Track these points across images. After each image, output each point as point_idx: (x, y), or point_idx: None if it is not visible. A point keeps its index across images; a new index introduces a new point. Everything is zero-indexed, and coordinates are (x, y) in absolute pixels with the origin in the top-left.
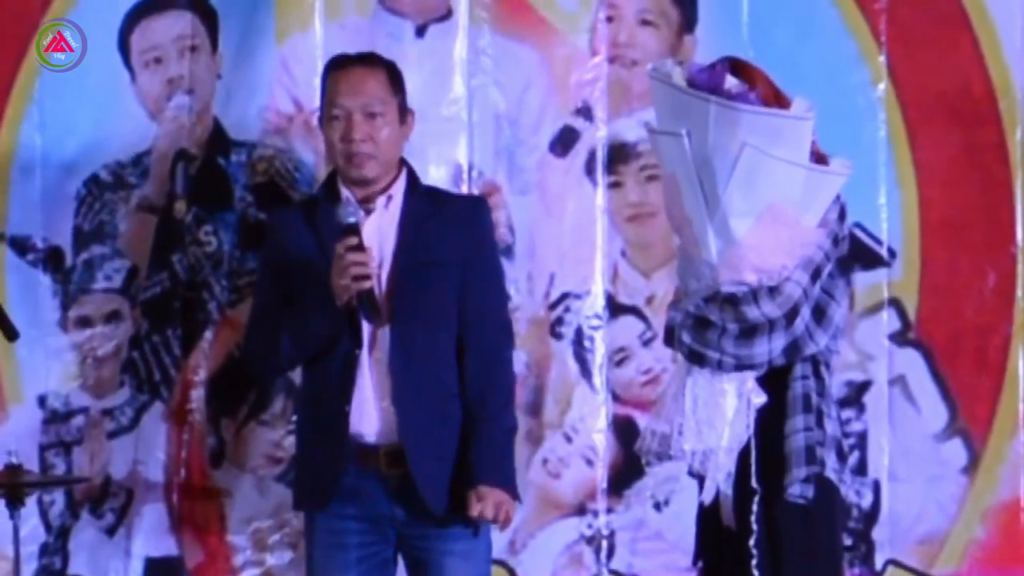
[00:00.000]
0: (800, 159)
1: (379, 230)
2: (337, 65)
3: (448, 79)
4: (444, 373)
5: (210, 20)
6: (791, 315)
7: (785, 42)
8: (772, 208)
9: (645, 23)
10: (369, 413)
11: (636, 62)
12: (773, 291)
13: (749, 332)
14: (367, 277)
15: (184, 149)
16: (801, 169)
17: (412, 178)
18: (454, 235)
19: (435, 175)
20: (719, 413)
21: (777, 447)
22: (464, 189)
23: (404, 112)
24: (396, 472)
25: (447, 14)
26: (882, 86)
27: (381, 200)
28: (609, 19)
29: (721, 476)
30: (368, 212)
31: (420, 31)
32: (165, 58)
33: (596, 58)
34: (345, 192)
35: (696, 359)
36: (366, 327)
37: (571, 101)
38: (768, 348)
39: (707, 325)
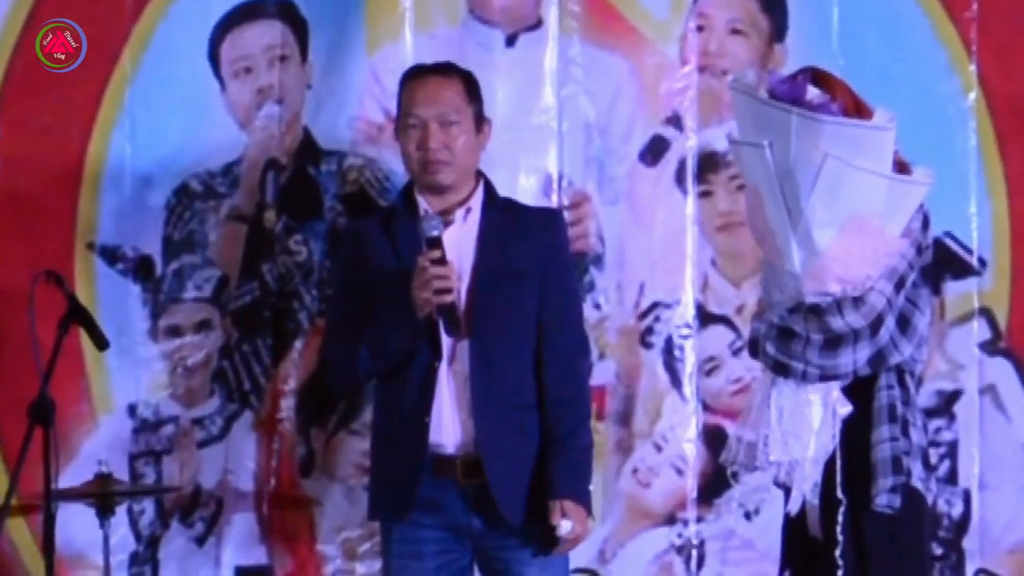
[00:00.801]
0: (883, 169)
1: (458, 243)
2: (413, 75)
3: (538, 89)
4: (522, 385)
5: (300, 30)
6: (875, 325)
7: (875, 51)
8: (855, 218)
9: (735, 32)
10: (448, 424)
11: (726, 71)
12: (857, 301)
13: (833, 342)
14: (449, 291)
15: (274, 158)
16: (884, 179)
17: (489, 190)
18: (530, 247)
19: (525, 185)
20: (804, 424)
21: (863, 457)
22: (554, 199)
23: (480, 121)
24: (473, 482)
25: (537, 23)
26: (972, 95)
27: (460, 213)
28: (699, 28)
29: (807, 487)
30: (447, 224)
31: (510, 41)
32: (255, 68)
33: (686, 67)
34: (424, 204)
35: (781, 370)
36: (446, 339)
37: (661, 110)
38: (853, 358)
39: (791, 336)
